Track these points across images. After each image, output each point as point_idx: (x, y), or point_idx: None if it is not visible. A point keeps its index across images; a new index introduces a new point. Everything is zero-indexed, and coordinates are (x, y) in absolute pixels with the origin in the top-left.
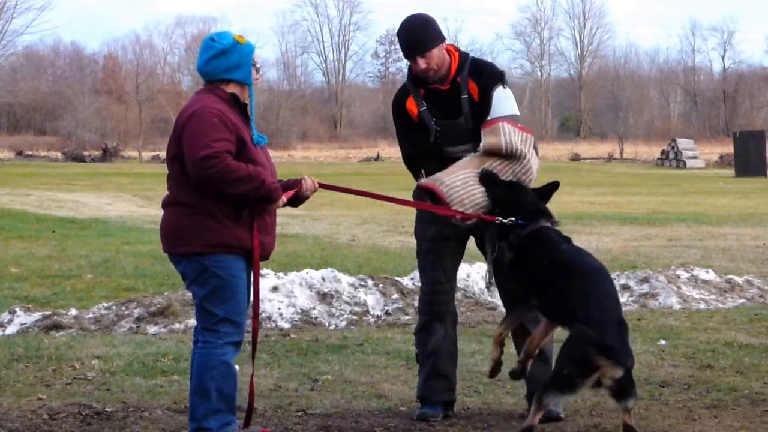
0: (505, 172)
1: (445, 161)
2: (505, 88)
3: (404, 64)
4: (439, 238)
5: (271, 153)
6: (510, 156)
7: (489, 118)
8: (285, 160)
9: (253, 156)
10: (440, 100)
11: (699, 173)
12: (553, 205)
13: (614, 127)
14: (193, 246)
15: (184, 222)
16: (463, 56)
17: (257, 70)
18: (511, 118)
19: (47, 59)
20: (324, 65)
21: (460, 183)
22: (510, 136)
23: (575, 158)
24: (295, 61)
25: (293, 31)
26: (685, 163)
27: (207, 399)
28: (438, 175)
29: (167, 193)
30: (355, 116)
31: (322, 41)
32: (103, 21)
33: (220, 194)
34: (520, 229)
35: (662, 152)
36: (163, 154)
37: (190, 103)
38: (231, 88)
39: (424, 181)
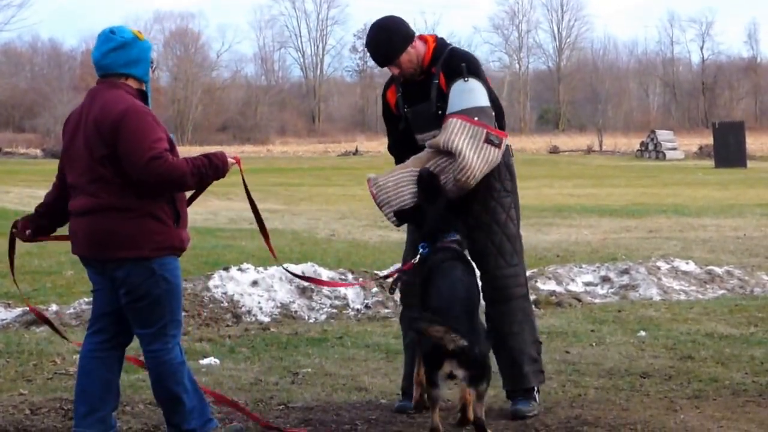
0: (448, 170)
1: (417, 151)
2: (466, 80)
3: None
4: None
5: (250, 148)
6: (449, 154)
7: (446, 114)
8: (263, 155)
9: (177, 153)
10: (414, 87)
11: (678, 165)
12: (533, 198)
13: (593, 119)
14: (140, 250)
15: (126, 226)
16: (441, 46)
17: (153, 69)
18: (464, 113)
19: (25, 56)
20: (302, 60)
21: (392, 184)
22: (453, 133)
23: (554, 151)
24: (273, 56)
25: (270, 26)
26: (664, 155)
27: (179, 403)
28: (378, 174)
29: (88, 198)
30: (333, 111)
31: (300, 36)
32: (81, 17)
33: (161, 195)
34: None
35: (641, 144)
36: None
37: (109, 99)
38: (131, 84)
39: (368, 181)
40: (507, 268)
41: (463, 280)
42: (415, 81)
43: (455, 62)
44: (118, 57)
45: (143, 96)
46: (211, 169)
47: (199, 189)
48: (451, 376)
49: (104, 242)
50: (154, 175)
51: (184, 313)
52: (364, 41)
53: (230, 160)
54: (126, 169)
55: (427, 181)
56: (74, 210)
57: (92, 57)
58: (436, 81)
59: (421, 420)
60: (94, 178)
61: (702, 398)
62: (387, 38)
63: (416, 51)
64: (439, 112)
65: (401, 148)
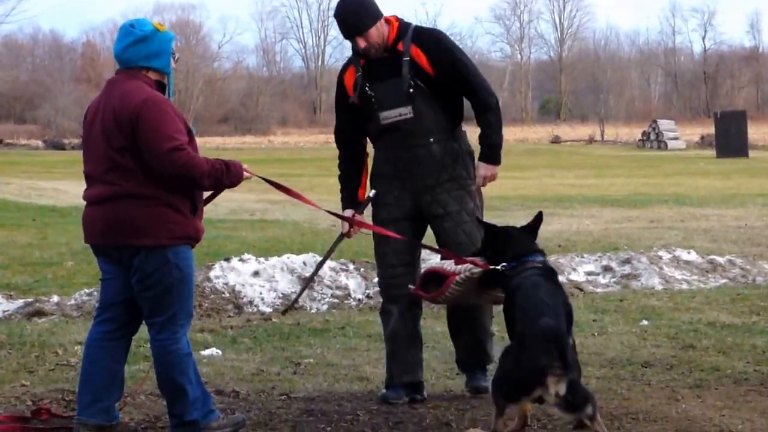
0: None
1: (379, 130)
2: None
3: None
4: (388, 220)
5: (251, 139)
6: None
7: None
8: (265, 146)
9: (195, 145)
10: (379, 66)
11: (680, 154)
12: (534, 188)
13: (595, 109)
14: (157, 238)
15: (144, 213)
16: (404, 25)
17: (175, 60)
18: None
19: (26, 48)
20: (303, 51)
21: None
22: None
23: (555, 141)
24: (275, 47)
25: (272, 17)
26: (666, 145)
27: (183, 393)
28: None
29: (105, 186)
30: (334, 102)
31: (301, 27)
32: (82, 9)
33: (179, 186)
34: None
35: (643, 134)
36: None
37: (128, 89)
38: (150, 76)
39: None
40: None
41: (565, 298)
42: (379, 58)
43: (431, 40)
44: (138, 50)
45: (162, 88)
46: (227, 177)
47: (213, 192)
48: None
49: (122, 229)
50: (173, 167)
51: None
52: (334, 13)
53: (245, 173)
54: (146, 159)
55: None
56: (90, 199)
57: (114, 51)
58: (407, 58)
59: (423, 410)
60: (111, 167)
61: (704, 387)
62: (358, 8)
63: (383, 29)
64: (411, 90)
65: (349, 134)
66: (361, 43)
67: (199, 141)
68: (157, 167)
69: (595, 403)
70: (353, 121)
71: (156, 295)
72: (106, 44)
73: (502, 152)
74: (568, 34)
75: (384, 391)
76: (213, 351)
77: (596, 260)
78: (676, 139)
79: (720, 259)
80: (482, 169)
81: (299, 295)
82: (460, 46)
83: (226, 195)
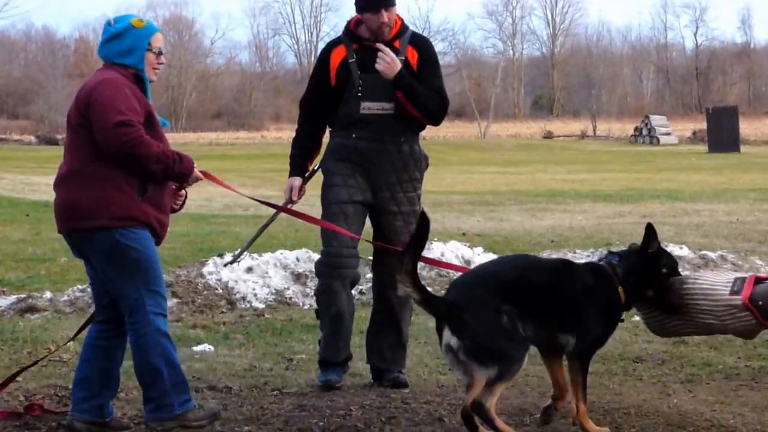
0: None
1: (355, 118)
2: None
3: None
4: (350, 200)
5: (244, 135)
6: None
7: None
8: (258, 142)
9: (159, 135)
10: (372, 56)
11: (672, 150)
12: (527, 183)
13: (587, 104)
14: (98, 219)
15: (87, 195)
16: (404, 26)
17: (158, 54)
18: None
19: (19, 44)
20: (296, 47)
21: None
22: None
23: (548, 136)
24: (267, 43)
25: (264, 13)
26: (658, 140)
27: (159, 377)
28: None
29: (63, 165)
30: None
31: (294, 23)
32: (75, 4)
33: (127, 166)
34: None
35: (635, 129)
36: None
37: (94, 76)
38: (131, 71)
39: None
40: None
41: None
42: (371, 49)
43: (425, 44)
44: (112, 47)
45: (139, 80)
46: (178, 167)
47: (159, 183)
48: None
49: (69, 213)
50: (118, 142)
51: (177, 300)
52: None
53: (197, 173)
54: (94, 133)
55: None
56: (54, 182)
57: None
58: (403, 57)
59: (416, 405)
60: (68, 147)
61: (695, 382)
62: None
63: (395, 15)
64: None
65: (317, 108)
66: (385, 17)
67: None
68: (103, 142)
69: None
70: (324, 98)
71: (117, 278)
72: (99, 40)
73: (407, 85)
74: (560, 30)
75: (324, 375)
76: (205, 347)
77: (588, 256)
78: (668, 134)
79: (712, 255)
80: (394, 58)
81: (245, 248)
82: (453, 43)
83: (219, 191)
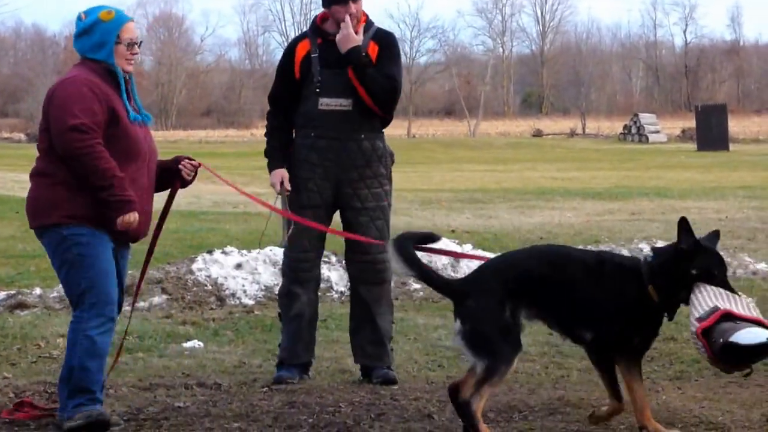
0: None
1: (313, 115)
2: None
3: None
4: (308, 205)
5: (234, 132)
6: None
7: None
8: (247, 139)
9: (125, 131)
10: (334, 51)
11: (661, 148)
12: (516, 181)
13: (576, 102)
14: (51, 217)
15: (45, 193)
16: (370, 21)
17: (129, 46)
18: None
19: (8, 42)
20: (286, 44)
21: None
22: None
23: (537, 134)
24: (257, 40)
25: (254, 11)
26: (647, 138)
27: (68, 381)
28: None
29: (33, 166)
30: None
31: (284, 20)
32: (64, 2)
33: (75, 169)
34: None
35: (624, 127)
36: None
37: (64, 75)
38: (106, 67)
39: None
40: (385, 253)
41: None
42: (335, 44)
43: (386, 38)
44: (84, 43)
45: (112, 74)
46: (114, 199)
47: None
48: None
49: (30, 212)
50: (69, 147)
51: (167, 296)
52: None
53: (130, 219)
54: (52, 135)
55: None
56: None
57: None
58: (364, 53)
59: (405, 402)
60: (38, 147)
61: (684, 379)
62: None
63: (362, 9)
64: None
65: (286, 102)
66: (353, 8)
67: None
68: (56, 144)
69: None
70: (290, 93)
71: (63, 275)
72: None
73: (355, 60)
74: (549, 28)
75: (278, 372)
76: (195, 343)
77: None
78: (657, 132)
79: None
80: (353, 35)
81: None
82: (442, 40)
83: (208, 188)
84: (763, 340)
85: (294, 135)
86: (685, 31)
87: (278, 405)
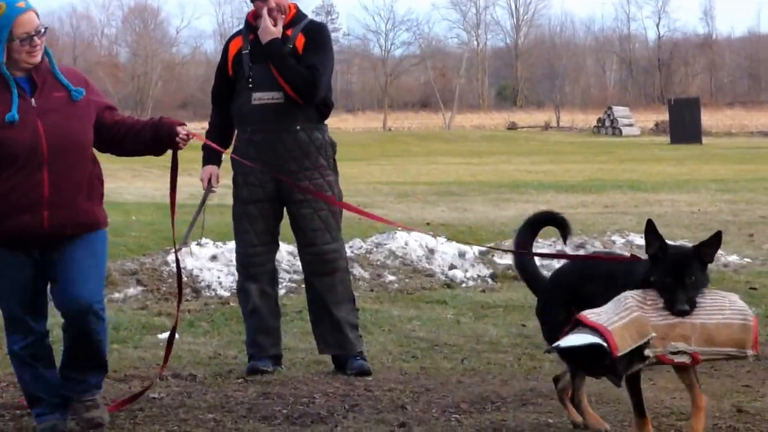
0: None
1: (247, 110)
2: None
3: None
4: (250, 200)
5: None
6: None
7: None
8: None
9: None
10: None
11: (635, 141)
12: (491, 174)
13: (550, 95)
14: None
15: None
16: (300, 15)
17: (25, 41)
18: None
19: None
20: None
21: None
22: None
23: (512, 127)
24: (232, 32)
25: (230, 2)
26: (620, 131)
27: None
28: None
29: None
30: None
31: None
32: None
33: None
34: None
35: (598, 120)
36: None
37: None
38: None
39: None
40: (333, 243)
41: None
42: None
43: (315, 29)
44: None
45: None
46: None
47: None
48: None
49: None
50: None
51: (142, 288)
52: None
53: None
54: None
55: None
56: None
57: None
58: (291, 45)
59: (379, 393)
60: None
61: (655, 370)
62: None
63: (287, 4)
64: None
65: (226, 100)
66: (272, 2)
67: None
68: None
69: None
70: (228, 90)
71: None
72: (65, 29)
73: (273, 52)
74: (523, 21)
75: (250, 362)
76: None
77: (550, 245)
78: (630, 125)
79: (673, 244)
80: (272, 28)
81: (187, 234)
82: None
83: (184, 180)
84: (575, 343)
85: (236, 131)
86: (658, 25)
87: (253, 396)
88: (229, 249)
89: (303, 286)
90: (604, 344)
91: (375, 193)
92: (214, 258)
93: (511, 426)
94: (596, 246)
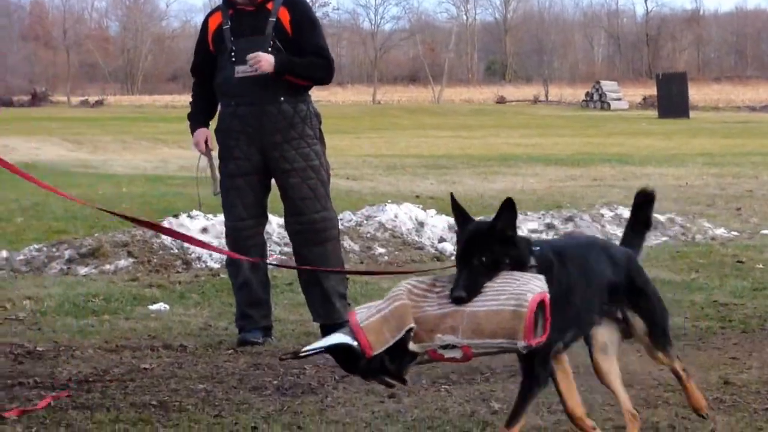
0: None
1: (231, 83)
2: None
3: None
4: (238, 173)
5: None
6: None
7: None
8: None
9: None
10: (245, 20)
11: (623, 115)
12: (480, 147)
13: (539, 70)
14: None
15: None
16: None
17: None
18: None
19: None
20: None
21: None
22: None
23: (501, 101)
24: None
25: None
26: (609, 105)
27: None
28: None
29: None
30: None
31: None
32: None
33: None
34: None
35: (587, 94)
36: (92, 99)
37: None
38: None
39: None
40: (323, 212)
41: None
42: (245, 14)
43: (298, 3)
44: None
45: None
46: None
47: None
48: None
49: None
50: None
51: (133, 260)
52: None
53: None
54: None
55: None
56: None
57: None
58: (274, 19)
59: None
60: None
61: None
62: None
63: None
64: (270, 49)
65: (207, 74)
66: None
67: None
68: None
69: None
70: (208, 65)
71: None
72: (54, 2)
73: (288, 69)
74: None
75: (240, 334)
76: (161, 306)
77: (539, 218)
78: (618, 99)
79: (660, 218)
80: (263, 55)
81: (215, 185)
82: (406, 7)
83: (174, 152)
84: (319, 345)
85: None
86: (646, 0)
87: (243, 366)
88: (219, 221)
89: (293, 258)
90: (354, 344)
91: (364, 165)
92: (204, 230)
93: (500, 397)
94: (585, 219)
